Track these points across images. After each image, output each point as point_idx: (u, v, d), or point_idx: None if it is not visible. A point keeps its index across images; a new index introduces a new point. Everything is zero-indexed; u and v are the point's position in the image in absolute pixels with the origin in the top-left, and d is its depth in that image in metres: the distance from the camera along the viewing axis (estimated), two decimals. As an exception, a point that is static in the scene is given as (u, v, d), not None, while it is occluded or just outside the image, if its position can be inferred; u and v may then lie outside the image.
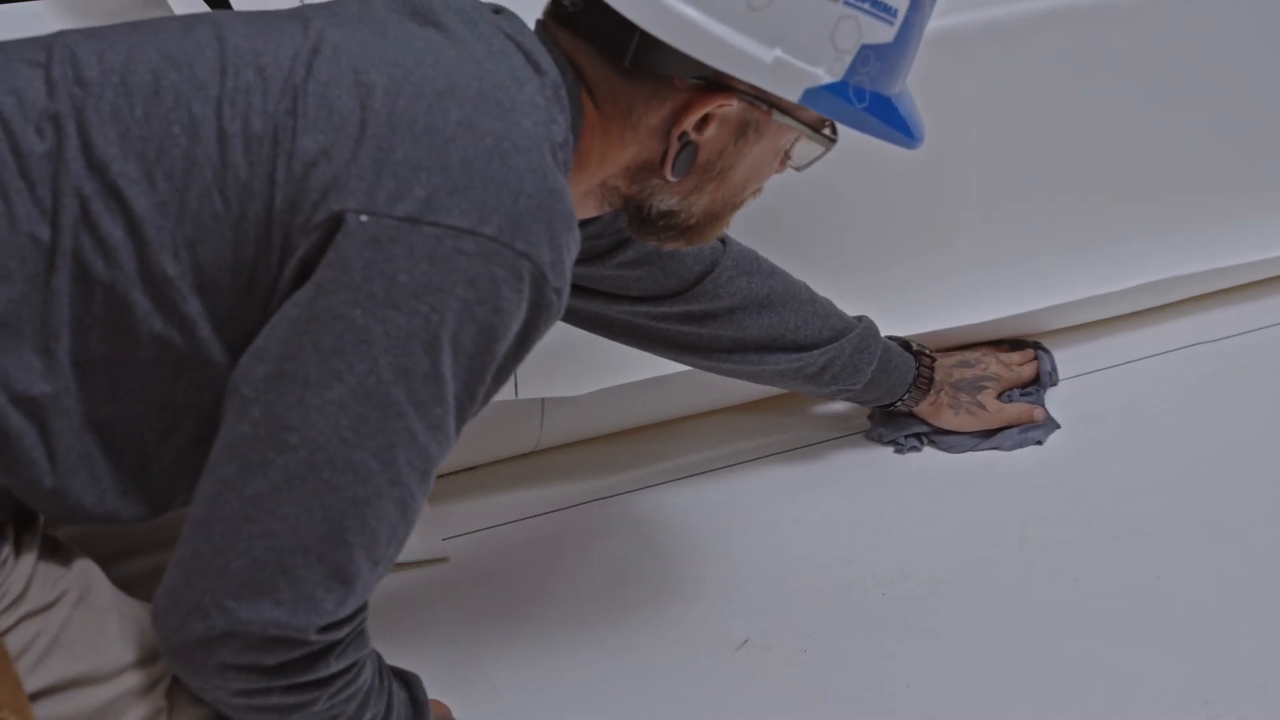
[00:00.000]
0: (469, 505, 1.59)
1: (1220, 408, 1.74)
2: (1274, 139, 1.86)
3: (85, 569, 1.06)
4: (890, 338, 1.62)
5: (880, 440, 1.68)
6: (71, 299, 0.97)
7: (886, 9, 1.09)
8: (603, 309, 1.46)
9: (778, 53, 1.06)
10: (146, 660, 1.05)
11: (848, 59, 1.08)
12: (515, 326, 0.99)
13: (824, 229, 1.68)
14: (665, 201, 1.16)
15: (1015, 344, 1.78)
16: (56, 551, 1.05)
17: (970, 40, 1.64)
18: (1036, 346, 1.77)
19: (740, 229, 1.63)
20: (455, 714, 1.33)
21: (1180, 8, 1.73)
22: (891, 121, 1.13)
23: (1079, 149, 1.76)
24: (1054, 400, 1.74)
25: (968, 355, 1.72)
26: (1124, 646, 1.43)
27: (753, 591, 1.50)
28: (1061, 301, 1.78)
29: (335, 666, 1.00)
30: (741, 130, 1.12)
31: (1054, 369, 1.76)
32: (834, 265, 1.70)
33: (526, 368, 1.58)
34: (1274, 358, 1.81)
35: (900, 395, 1.63)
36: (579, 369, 1.59)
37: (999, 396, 1.69)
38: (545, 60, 1.07)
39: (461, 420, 1.00)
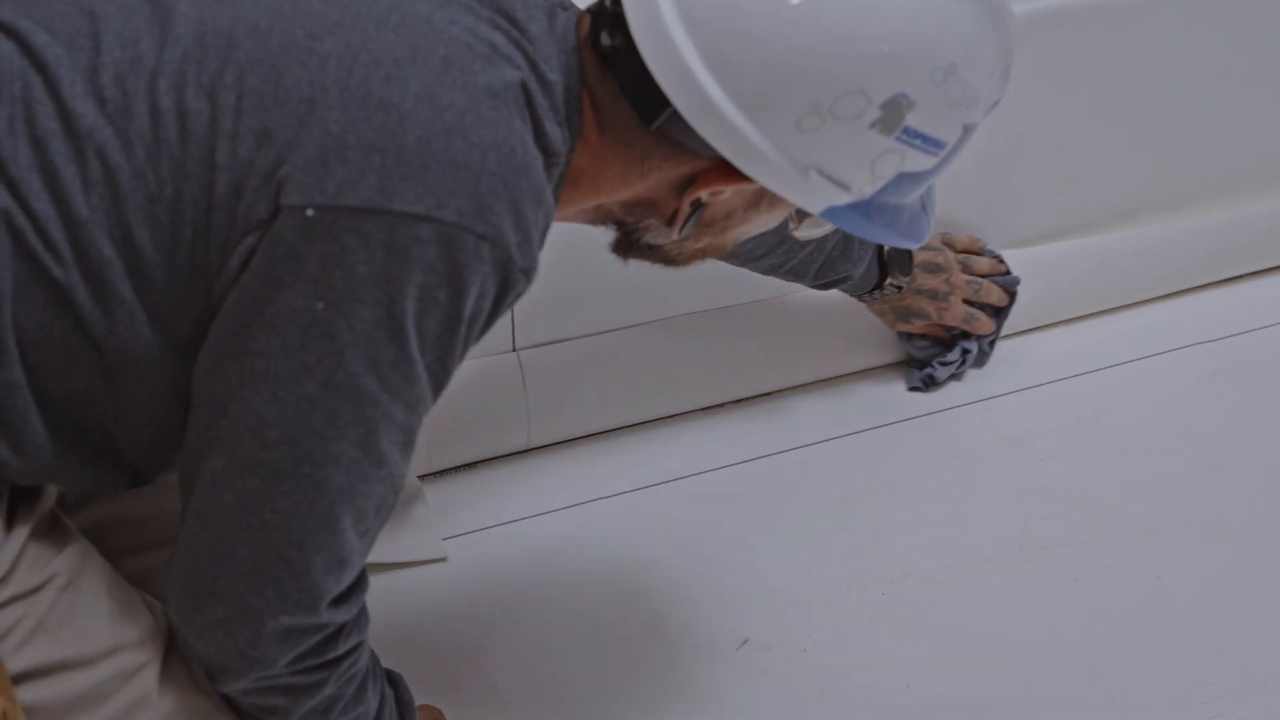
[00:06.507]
0: (469, 505, 1.59)
1: (1220, 408, 1.74)
2: (1274, 137, 1.87)
3: (80, 553, 1.04)
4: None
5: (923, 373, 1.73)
6: (15, 276, 0.93)
7: (936, 143, 1.00)
8: None
9: (813, 174, 0.99)
10: (136, 644, 1.04)
11: (881, 183, 1.01)
12: (484, 305, 0.96)
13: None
14: (657, 239, 1.12)
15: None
16: (52, 534, 1.03)
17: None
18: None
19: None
20: (455, 714, 1.33)
21: (1180, 7, 1.73)
22: (908, 234, 1.07)
23: (1078, 147, 1.76)
24: (1055, 401, 1.74)
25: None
26: (1124, 646, 1.43)
27: (753, 591, 1.49)
28: (1059, 290, 1.79)
29: (343, 647, 1.02)
30: (755, 202, 1.08)
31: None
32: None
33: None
34: (1274, 358, 1.81)
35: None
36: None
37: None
38: (554, 62, 1.01)
39: (439, 388, 0.98)
